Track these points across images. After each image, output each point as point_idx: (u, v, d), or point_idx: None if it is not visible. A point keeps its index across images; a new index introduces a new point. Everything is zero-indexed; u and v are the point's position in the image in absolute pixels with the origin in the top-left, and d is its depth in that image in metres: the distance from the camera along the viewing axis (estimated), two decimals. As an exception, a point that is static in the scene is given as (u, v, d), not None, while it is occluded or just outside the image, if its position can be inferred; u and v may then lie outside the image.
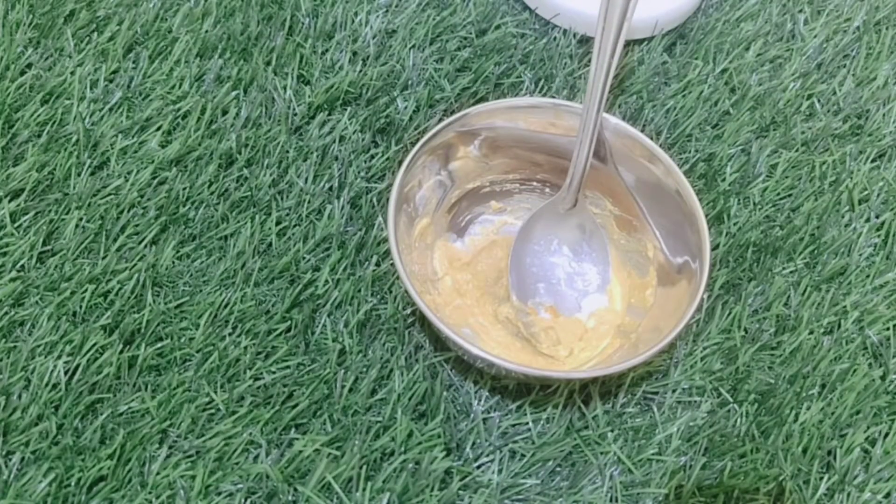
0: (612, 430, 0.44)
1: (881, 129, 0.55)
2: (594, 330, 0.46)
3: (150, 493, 0.40)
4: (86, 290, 0.44)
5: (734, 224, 0.50)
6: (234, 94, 0.52)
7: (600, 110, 0.44)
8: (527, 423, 0.44)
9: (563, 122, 0.47)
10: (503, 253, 0.48)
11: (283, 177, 0.49)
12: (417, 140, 0.46)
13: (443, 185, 0.48)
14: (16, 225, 0.46)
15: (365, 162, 0.50)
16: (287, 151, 0.50)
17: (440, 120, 0.51)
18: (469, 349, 0.40)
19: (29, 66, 0.51)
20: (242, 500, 0.40)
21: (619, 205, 0.48)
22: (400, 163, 0.48)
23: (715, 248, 0.49)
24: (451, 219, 0.49)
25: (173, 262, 0.46)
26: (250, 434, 0.41)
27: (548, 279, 0.48)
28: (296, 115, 0.51)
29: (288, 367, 0.43)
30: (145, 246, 0.46)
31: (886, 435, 0.45)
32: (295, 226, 0.48)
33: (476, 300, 0.47)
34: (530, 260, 0.48)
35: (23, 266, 0.45)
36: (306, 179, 0.49)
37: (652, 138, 0.46)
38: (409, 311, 0.45)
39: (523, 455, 0.43)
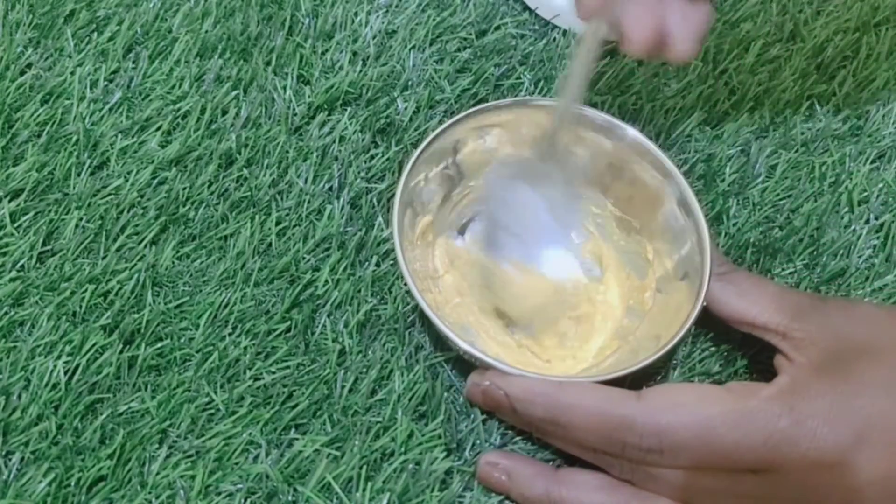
0: (611, 431, 0.43)
1: (881, 130, 0.55)
2: (590, 323, 0.46)
3: (149, 493, 0.40)
4: (86, 290, 0.44)
5: (733, 225, 0.50)
6: (234, 94, 0.52)
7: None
8: (526, 424, 0.44)
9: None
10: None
11: (283, 177, 0.49)
12: (418, 141, 0.46)
13: (447, 182, 0.48)
14: (16, 225, 0.46)
15: (365, 162, 0.50)
16: (287, 151, 0.50)
17: (440, 121, 0.51)
18: (469, 349, 0.40)
19: (29, 66, 0.51)
20: (242, 500, 0.40)
21: (620, 205, 0.48)
22: (401, 163, 0.48)
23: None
24: (454, 217, 0.49)
25: (173, 262, 0.46)
26: (250, 434, 0.41)
27: (519, 233, 0.48)
28: (296, 115, 0.51)
29: (288, 367, 0.43)
30: (145, 246, 0.46)
31: (885, 436, 0.45)
32: (295, 226, 0.48)
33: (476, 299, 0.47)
34: (502, 212, 0.48)
35: (23, 266, 0.45)
36: (306, 179, 0.49)
37: (652, 139, 0.46)
38: (409, 307, 0.45)
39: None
